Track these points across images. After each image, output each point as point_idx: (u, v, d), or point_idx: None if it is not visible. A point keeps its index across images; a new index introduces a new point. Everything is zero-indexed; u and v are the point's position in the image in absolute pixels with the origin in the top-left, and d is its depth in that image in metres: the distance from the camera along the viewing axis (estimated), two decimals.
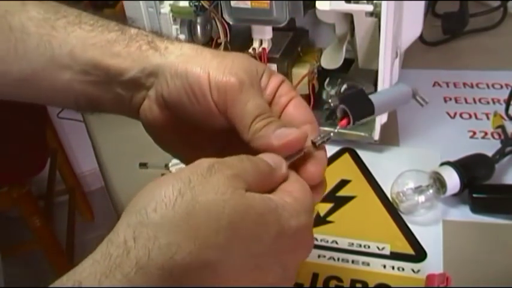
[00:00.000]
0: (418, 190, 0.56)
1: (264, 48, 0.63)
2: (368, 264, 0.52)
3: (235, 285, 0.28)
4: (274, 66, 0.63)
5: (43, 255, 1.54)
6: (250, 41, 0.63)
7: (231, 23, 0.61)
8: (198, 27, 0.67)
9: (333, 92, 0.66)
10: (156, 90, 0.37)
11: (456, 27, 0.87)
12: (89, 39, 0.37)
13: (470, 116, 0.71)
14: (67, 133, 1.89)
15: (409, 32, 0.63)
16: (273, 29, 0.62)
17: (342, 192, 0.61)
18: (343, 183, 0.62)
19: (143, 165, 0.65)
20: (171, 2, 0.65)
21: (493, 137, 0.66)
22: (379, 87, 0.59)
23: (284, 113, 0.36)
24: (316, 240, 0.55)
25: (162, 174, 0.30)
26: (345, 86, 0.65)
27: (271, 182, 0.32)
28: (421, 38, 0.83)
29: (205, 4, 0.62)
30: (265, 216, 0.28)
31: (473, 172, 0.56)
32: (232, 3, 0.58)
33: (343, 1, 0.55)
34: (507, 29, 0.89)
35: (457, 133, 0.68)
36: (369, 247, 0.54)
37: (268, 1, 0.57)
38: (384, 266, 0.52)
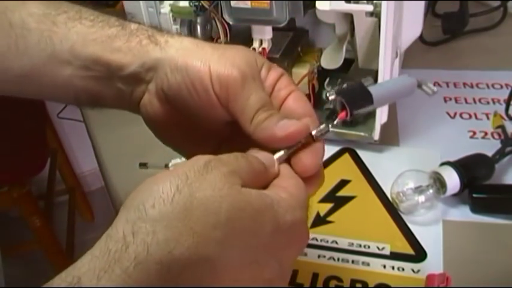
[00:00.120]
0: (418, 190, 0.56)
1: (264, 48, 0.63)
2: (368, 264, 0.52)
3: (232, 280, 0.28)
4: None
5: (43, 255, 1.54)
6: (250, 41, 0.63)
7: (231, 23, 0.61)
8: (198, 27, 0.67)
9: (332, 92, 0.66)
10: (156, 84, 0.36)
11: (456, 27, 0.87)
12: (89, 35, 0.37)
13: (470, 116, 0.71)
14: (67, 133, 1.89)
15: (409, 32, 0.63)
16: (273, 29, 0.62)
17: (342, 192, 0.61)
18: (343, 183, 0.62)
19: (143, 165, 0.65)
20: (171, 2, 0.65)
21: (493, 137, 0.66)
22: None
23: (283, 106, 0.36)
24: (316, 240, 0.55)
25: None
26: (345, 86, 0.65)
27: (265, 178, 0.32)
28: (421, 38, 0.83)
29: (205, 4, 0.62)
30: (262, 212, 0.29)
31: (473, 172, 0.56)
32: (232, 3, 0.58)
33: (343, 1, 0.55)
34: (507, 29, 0.89)
35: (457, 133, 0.68)
36: (368, 247, 0.54)
37: (268, 1, 0.56)
38: (384, 266, 0.52)
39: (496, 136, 0.66)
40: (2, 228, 1.70)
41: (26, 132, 1.55)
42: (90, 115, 0.81)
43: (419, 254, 0.53)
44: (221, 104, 0.35)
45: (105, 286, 0.24)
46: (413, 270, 0.51)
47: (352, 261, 0.53)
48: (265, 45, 0.63)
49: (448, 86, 0.77)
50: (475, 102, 0.73)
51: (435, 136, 0.67)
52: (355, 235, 0.55)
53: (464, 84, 0.77)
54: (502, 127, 0.65)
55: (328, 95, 0.37)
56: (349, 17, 0.62)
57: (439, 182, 0.56)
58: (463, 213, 0.56)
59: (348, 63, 0.68)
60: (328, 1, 0.55)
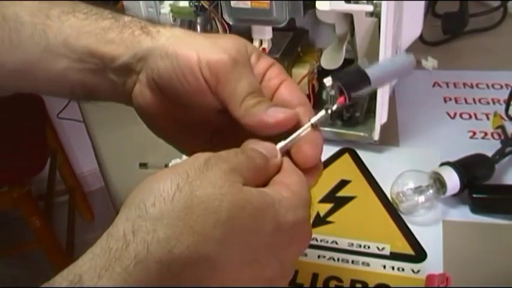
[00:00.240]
0: (418, 190, 0.56)
1: (264, 48, 0.63)
2: (368, 265, 0.52)
3: (233, 279, 0.28)
4: None
5: (43, 255, 1.54)
6: (250, 41, 0.63)
7: (231, 23, 0.61)
8: (198, 27, 0.67)
9: (333, 92, 0.66)
10: (146, 73, 0.36)
11: (456, 27, 0.87)
12: (83, 28, 0.37)
13: (470, 116, 0.71)
14: (67, 133, 1.89)
15: (409, 32, 0.63)
16: (273, 29, 0.62)
17: (342, 193, 0.61)
18: (343, 183, 0.62)
19: (143, 165, 0.65)
20: (171, 2, 0.65)
21: (493, 137, 0.66)
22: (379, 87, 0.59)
23: (276, 95, 0.35)
24: (316, 240, 0.55)
25: None
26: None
27: (266, 173, 0.32)
28: (421, 38, 0.82)
29: (205, 4, 0.62)
30: (263, 211, 0.29)
31: (473, 172, 0.56)
32: (232, 3, 0.58)
33: (343, 1, 0.55)
34: (507, 29, 0.89)
35: (457, 133, 0.68)
36: (368, 247, 0.54)
37: (268, 1, 0.56)
38: (384, 266, 0.52)
39: (496, 136, 0.66)
40: (2, 228, 1.70)
41: (26, 132, 1.55)
42: (90, 115, 0.81)
43: (419, 254, 0.53)
44: (211, 90, 0.34)
45: (106, 285, 0.25)
46: (413, 271, 0.51)
47: (352, 262, 0.53)
48: (265, 45, 0.63)
49: (448, 86, 0.77)
50: (475, 102, 0.73)
51: (435, 136, 0.67)
52: (355, 235, 0.55)
53: (464, 84, 0.77)
54: (502, 127, 0.65)
55: (325, 81, 0.36)
56: (349, 17, 0.62)
57: (439, 182, 0.56)
58: (463, 214, 0.56)
59: (348, 63, 0.68)
60: (328, 1, 0.55)
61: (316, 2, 0.56)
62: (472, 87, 0.76)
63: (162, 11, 0.66)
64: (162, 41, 0.36)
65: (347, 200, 0.60)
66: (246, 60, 0.35)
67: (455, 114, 0.71)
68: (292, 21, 0.68)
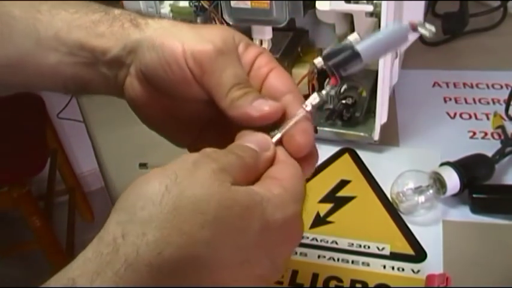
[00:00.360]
0: (418, 190, 0.56)
1: (264, 49, 0.63)
2: (368, 265, 0.52)
3: (224, 279, 0.28)
4: None
5: (43, 255, 1.54)
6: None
7: (231, 23, 0.61)
8: None
9: (332, 92, 0.66)
10: (135, 65, 0.36)
11: (456, 27, 0.87)
12: (73, 21, 0.37)
13: (470, 116, 0.71)
14: (67, 133, 1.89)
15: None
16: (273, 29, 0.62)
17: (342, 193, 0.61)
18: (343, 183, 0.62)
19: (143, 165, 0.65)
20: (171, 2, 0.65)
21: (493, 137, 0.66)
22: (379, 87, 0.59)
23: (264, 84, 0.35)
24: (316, 240, 0.55)
25: None
26: (345, 86, 0.65)
27: (257, 170, 0.32)
28: (421, 38, 0.82)
29: (205, 4, 0.62)
30: (250, 210, 0.28)
31: (473, 172, 0.56)
32: (232, 3, 0.58)
33: (343, 1, 0.55)
34: (507, 29, 0.89)
35: (457, 133, 0.68)
36: (368, 247, 0.54)
37: (268, 1, 0.57)
38: (384, 266, 0.52)
39: (496, 136, 0.66)
40: (2, 228, 1.70)
41: (26, 132, 1.55)
42: (90, 115, 0.81)
43: (419, 254, 0.53)
44: (196, 81, 0.34)
45: None
46: (413, 271, 0.51)
47: (352, 262, 0.53)
48: (265, 45, 0.63)
49: (448, 86, 0.77)
50: (475, 102, 0.73)
51: (435, 136, 0.67)
52: (355, 235, 0.55)
53: (464, 84, 0.77)
54: (502, 127, 0.65)
55: (315, 62, 0.36)
56: (349, 17, 0.62)
57: (439, 182, 0.56)
58: (463, 214, 0.56)
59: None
60: (328, 1, 0.55)
61: (316, 2, 0.56)
62: (472, 87, 0.76)
63: (162, 11, 0.66)
64: (150, 32, 0.36)
65: (347, 200, 0.60)
66: (232, 50, 0.34)
67: (455, 114, 0.71)
68: (292, 21, 0.68)
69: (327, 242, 0.55)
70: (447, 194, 0.56)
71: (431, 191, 0.55)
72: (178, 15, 0.65)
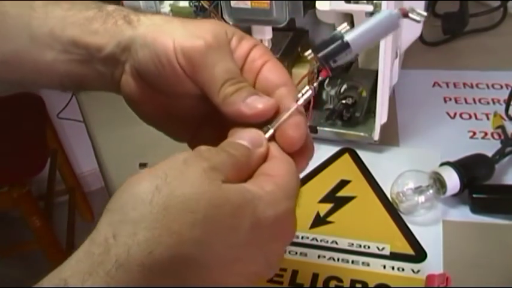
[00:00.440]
0: (418, 190, 0.56)
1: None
2: (368, 265, 0.52)
3: (217, 277, 0.28)
4: None
5: (43, 255, 1.54)
6: None
7: (231, 23, 0.61)
8: None
9: (332, 92, 0.66)
10: (129, 63, 0.36)
11: (456, 27, 0.87)
12: (67, 18, 0.37)
13: (470, 116, 0.71)
14: (67, 133, 1.89)
15: (409, 32, 0.63)
16: (273, 29, 0.62)
17: (342, 193, 0.61)
18: (343, 183, 0.62)
19: (143, 165, 0.65)
20: (171, 2, 0.65)
21: (493, 137, 0.66)
22: (379, 87, 0.59)
23: (258, 77, 0.35)
24: (316, 240, 0.55)
25: None
26: (345, 86, 0.65)
27: (250, 168, 0.31)
28: (421, 38, 0.83)
29: (205, 4, 0.62)
30: (241, 208, 0.28)
31: (473, 172, 0.56)
32: (232, 3, 0.58)
33: (343, 1, 0.55)
34: (507, 29, 0.89)
35: (457, 133, 0.68)
36: (368, 247, 0.54)
37: (268, 1, 0.56)
38: (384, 266, 0.52)
39: (496, 136, 0.66)
40: (2, 228, 1.70)
41: (26, 132, 1.55)
42: (90, 115, 0.81)
43: (419, 254, 0.53)
44: (188, 76, 0.34)
45: None
46: (413, 271, 0.51)
47: (352, 262, 0.53)
48: (265, 45, 0.63)
49: (448, 86, 0.77)
50: (475, 102, 0.73)
51: (435, 136, 0.67)
52: (355, 235, 0.55)
53: (464, 84, 0.77)
54: (502, 127, 0.65)
55: (306, 54, 0.35)
56: (349, 17, 0.62)
57: (439, 182, 0.56)
58: (463, 214, 0.56)
59: (348, 63, 0.68)
60: (328, 1, 0.55)
61: (316, 2, 0.56)
62: (472, 87, 0.76)
63: (162, 10, 0.66)
64: (142, 29, 0.35)
65: (347, 200, 0.60)
66: (223, 45, 0.34)
67: (455, 114, 0.71)
68: (292, 21, 0.68)
69: (327, 242, 0.55)
70: (447, 194, 0.56)
71: (431, 191, 0.55)
72: (178, 15, 0.65)
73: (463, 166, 0.56)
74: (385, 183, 0.60)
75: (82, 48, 0.37)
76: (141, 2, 0.66)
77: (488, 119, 0.69)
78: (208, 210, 0.27)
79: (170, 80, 0.35)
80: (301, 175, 0.65)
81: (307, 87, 0.34)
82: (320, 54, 0.33)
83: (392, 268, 0.52)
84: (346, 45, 0.33)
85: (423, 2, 0.62)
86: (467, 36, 0.87)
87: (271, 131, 0.32)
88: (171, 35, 0.34)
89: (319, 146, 0.67)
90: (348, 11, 0.57)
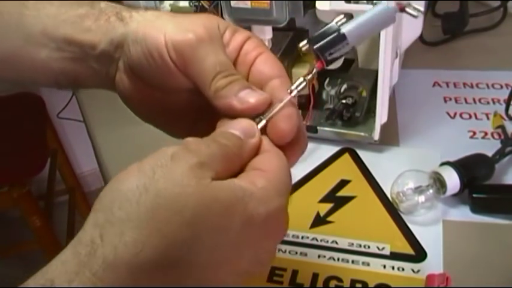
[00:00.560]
0: (418, 190, 0.56)
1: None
2: (368, 264, 0.52)
3: (207, 278, 0.28)
4: None
5: (43, 255, 1.54)
6: None
7: (231, 23, 0.61)
8: None
9: (333, 92, 0.66)
10: (123, 60, 0.36)
11: (456, 27, 0.87)
12: (60, 16, 0.37)
13: (470, 116, 0.71)
14: (67, 133, 1.89)
15: (409, 32, 0.63)
16: (273, 29, 0.62)
17: (342, 192, 0.61)
18: (343, 183, 0.62)
19: None
20: (171, 2, 0.65)
21: (493, 137, 0.66)
22: (379, 87, 0.59)
23: (252, 69, 0.34)
24: (316, 240, 0.55)
25: None
26: (345, 86, 0.65)
27: (242, 159, 0.31)
28: (421, 38, 0.83)
29: (205, 4, 0.62)
30: (231, 207, 0.27)
31: (473, 172, 0.56)
32: (232, 3, 0.58)
33: (343, 1, 0.55)
34: (507, 29, 0.89)
35: (457, 133, 0.68)
36: (368, 247, 0.54)
37: (268, 1, 0.56)
38: (384, 266, 0.52)
39: (496, 136, 0.66)
40: (2, 228, 1.70)
41: (26, 132, 1.55)
42: (90, 115, 0.81)
43: (419, 254, 0.53)
44: (180, 71, 0.34)
45: None
46: (413, 270, 0.51)
47: (352, 261, 0.53)
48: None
49: (448, 86, 0.77)
50: (475, 102, 0.73)
51: (435, 136, 0.67)
52: (355, 235, 0.55)
53: (464, 84, 0.77)
54: (502, 127, 0.65)
55: (301, 45, 0.34)
56: (349, 17, 0.62)
57: (439, 182, 0.56)
58: (463, 213, 0.56)
59: (348, 63, 0.69)
60: (328, 1, 0.55)
61: (316, 2, 0.56)
62: (472, 87, 0.76)
63: (162, 10, 0.66)
64: (134, 26, 0.35)
65: (347, 199, 0.60)
66: (214, 38, 0.34)
67: (455, 114, 0.71)
68: (292, 21, 0.68)
69: (327, 241, 0.55)
70: (447, 194, 0.56)
71: (431, 191, 0.55)
72: None
73: (463, 166, 0.56)
74: (385, 183, 0.60)
75: (75, 46, 0.37)
76: (141, 2, 0.66)
77: (488, 118, 0.69)
78: (197, 210, 0.26)
79: (163, 74, 0.34)
80: (301, 175, 0.66)
81: (301, 79, 0.33)
82: (316, 46, 0.33)
83: (393, 268, 0.52)
84: (342, 37, 0.33)
85: (423, 2, 0.62)
86: (467, 36, 0.87)
87: (263, 122, 0.32)
88: (162, 29, 0.34)
89: (319, 146, 0.67)
90: (348, 11, 0.57)
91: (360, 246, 0.54)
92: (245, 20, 0.60)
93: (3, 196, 1.40)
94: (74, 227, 1.78)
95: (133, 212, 0.26)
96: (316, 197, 0.60)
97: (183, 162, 0.27)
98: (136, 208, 0.26)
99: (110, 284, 0.25)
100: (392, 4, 0.33)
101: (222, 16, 0.61)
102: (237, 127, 0.31)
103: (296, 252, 0.54)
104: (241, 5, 0.58)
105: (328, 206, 0.59)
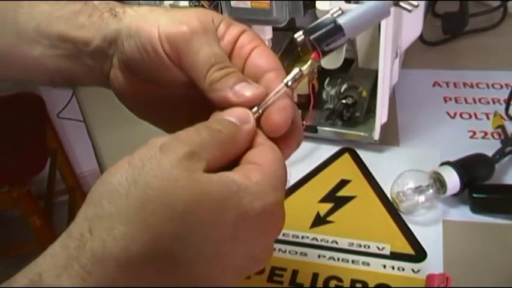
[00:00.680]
0: (418, 190, 0.56)
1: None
2: (368, 264, 0.52)
3: (199, 273, 0.27)
4: None
5: None
6: None
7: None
8: None
9: (333, 92, 0.66)
10: (117, 56, 0.36)
11: (456, 27, 0.87)
12: (53, 12, 0.37)
13: (470, 116, 0.71)
14: (67, 133, 1.89)
15: (409, 32, 0.63)
16: (273, 29, 0.62)
17: (342, 192, 0.61)
18: (343, 183, 0.62)
19: None
20: (171, 2, 0.65)
21: (493, 137, 0.66)
22: (379, 87, 0.59)
23: (247, 63, 0.34)
24: (316, 240, 0.55)
25: None
26: (345, 86, 0.65)
27: (237, 147, 0.30)
28: (421, 38, 0.83)
29: (205, 4, 0.62)
30: (223, 202, 0.27)
31: (473, 172, 0.56)
32: (232, 3, 0.58)
33: (343, 1, 0.55)
34: (507, 29, 0.89)
35: (457, 133, 0.68)
36: (369, 247, 0.54)
37: (268, 1, 0.56)
38: (384, 266, 0.52)
39: (496, 136, 0.66)
40: (2, 228, 1.70)
41: (26, 132, 1.55)
42: (90, 115, 0.81)
43: (419, 254, 0.53)
44: (174, 64, 0.33)
45: (65, 283, 0.24)
46: (413, 270, 0.51)
47: (352, 261, 0.53)
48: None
49: (448, 86, 0.77)
50: (475, 102, 0.73)
51: (435, 136, 0.67)
52: (355, 235, 0.55)
53: (464, 84, 0.77)
54: (502, 127, 0.65)
55: (296, 36, 0.34)
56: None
57: (439, 182, 0.56)
58: (463, 213, 0.56)
59: (348, 63, 0.68)
60: (328, 1, 0.55)
61: (316, 2, 0.56)
62: (472, 87, 0.76)
63: None
64: (127, 21, 0.35)
65: (347, 199, 0.60)
66: (208, 30, 0.33)
67: (455, 114, 0.71)
68: (292, 21, 0.68)
69: (327, 241, 0.55)
70: (447, 194, 0.56)
71: (431, 191, 0.55)
72: None
73: (463, 166, 0.56)
74: (385, 183, 0.60)
75: (69, 43, 0.36)
76: (141, 2, 0.66)
77: (488, 118, 0.69)
78: (188, 204, 0.26)
79: (157, 68, 0.34)
80: (301, 175, 0.66)
81: (296, 69, 0.33)
82: (312, 36, 0.33)
83: (393, 268, 0.52)
84: (339, 28, 0.32)
85: (423, 2, 0.62)
86: (467, 36, 0.87)
87: (257, 114, 0.31)
88: (155, 22, 0.33)
89: (319, 145, 0.67)
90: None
91: (360, 246, 0.54)
92: (245, 20, 0.60)
93: (3, 196, 1.40)
94: None
95: (122, 205, 0.26)
96: (316, 197, 0.60)
97: (172, 153, 0.27)
98: (126, 201, 0.26)
99: (99, 278, 0.25)
100: None
101: None
102: (232, 114, 0.31)
103: (296, 252, 0.54)
104: (241, 5, 0.58)
105: (328, 206, 0.59)
